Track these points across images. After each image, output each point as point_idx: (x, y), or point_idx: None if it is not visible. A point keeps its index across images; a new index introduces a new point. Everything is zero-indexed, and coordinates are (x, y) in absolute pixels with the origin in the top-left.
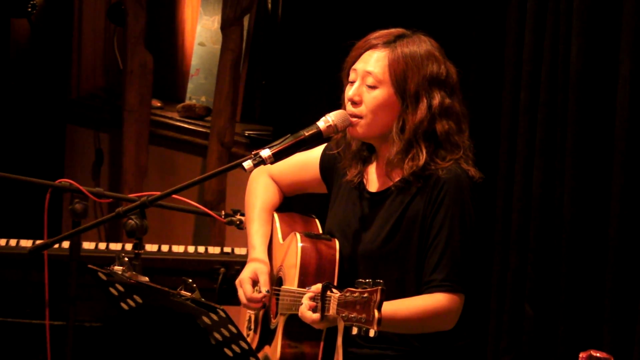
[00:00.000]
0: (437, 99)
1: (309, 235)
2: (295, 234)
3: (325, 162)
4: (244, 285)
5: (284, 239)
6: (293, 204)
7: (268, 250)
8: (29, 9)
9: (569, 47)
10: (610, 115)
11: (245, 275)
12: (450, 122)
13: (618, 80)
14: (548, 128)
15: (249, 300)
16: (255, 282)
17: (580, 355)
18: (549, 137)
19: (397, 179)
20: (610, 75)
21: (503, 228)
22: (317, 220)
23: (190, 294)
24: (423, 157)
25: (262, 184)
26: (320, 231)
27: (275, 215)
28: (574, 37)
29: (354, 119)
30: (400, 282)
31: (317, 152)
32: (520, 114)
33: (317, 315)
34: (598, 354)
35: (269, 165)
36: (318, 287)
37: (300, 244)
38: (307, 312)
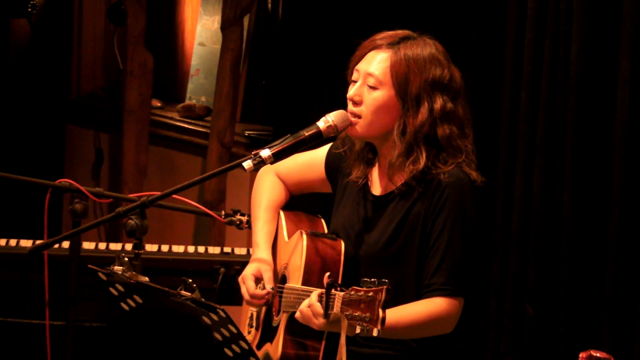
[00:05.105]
0: (439, 103)
1: (314, 234)
2: (301, 232)
3: (330, 162)
4: (246, 281)
5: (289, 237)
6: (296, 203)
7: (273, 247)
8: (29, 9)
9: (569, 47)
10: (610, 115)
11: (248, 272)
12: (453, 127)
13: (618, 80)
14: (548, 128)
15: (252, 296)
16: (258, 279)
17: (580, 355)
18: (549, 137)
19: (400, 182)
20: (610, 76)
21: (503, 228)
22: (322, 220)
23: (190, 294)
24: (423, 161)
25: (268, 183)
26: (326, 231)
27: (282, 214)
28: (574, 37)
29: (354, 119)
30: (401, 285)
31: (323, 151)
32: (520, 114)
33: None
34: (598, 354)
35: (276, 163)
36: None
37: (305, 243)
38: (315, 304)
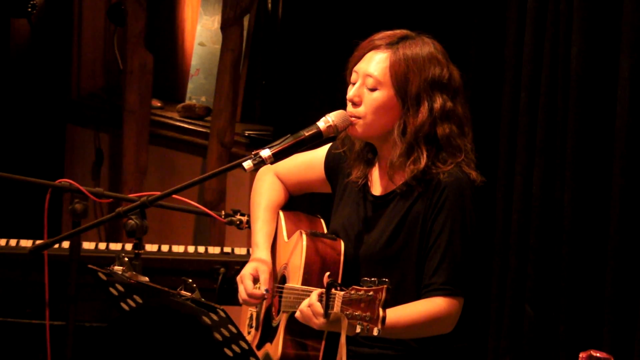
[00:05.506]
0: (438, 103)
1: (314, 234)
2: (300, 232)
3: (330, 162)
4: (244, 281)
5: (289, 237)
6: (296, 203)
7: (272, 247)
8: (29, 9)
9: (569, 47)
10: (610, 116)
11: (246, 271)
12: (452, 126)
13: (618, 80)
14: (548, 128)
15: (250, 296)
16: (256, 279)
17: (580, 355)
18: (549, 137)
19: (400, 182)
20: (610, 76)
21: (503, 228)
22: (322, 220)
23: (190, 294)
24: (424, 160)
25: (268, 183)
26: (326, 231)
27: (281, 214)
28: (574, 37)
29: (354, 119)
30: (401, 285)
31: (322, 151)
32: (520, 114)
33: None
34: (598, 354)
35: (275, 164)
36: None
37: (305, 243)
38: (315, 304)
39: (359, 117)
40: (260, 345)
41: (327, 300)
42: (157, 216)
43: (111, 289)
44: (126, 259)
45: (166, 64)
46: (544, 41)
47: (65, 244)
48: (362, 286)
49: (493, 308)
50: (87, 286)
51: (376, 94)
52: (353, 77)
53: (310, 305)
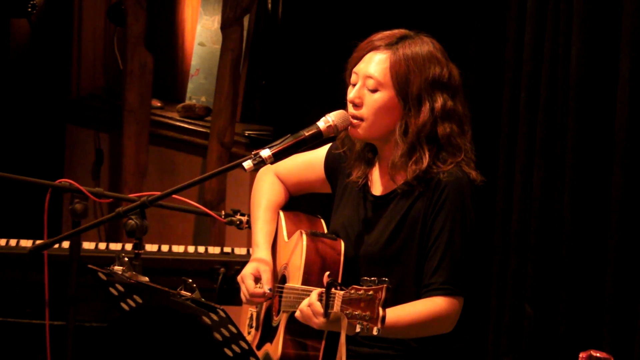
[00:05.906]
0: (439, 102)
1: (314, 234)
2: (300, 232)
3: (330, 162)
4: (246, 280)
5: (289, 237)
6: (296, 203)
7: (273, 247)
8: (29, 9)
9: (569, 47)
10: (610, 115)
11: (247, 271)
12: (453, 125)
13: (618, 80)
14: (548, 128)
15: (252, 295)
16: (257, 279)
17: (580, 355)
18: (549, 137)
19: (401, 182)
20: (610, 75)
21: (503, 228)
22: (322, 221)
23: (190, 294)
24: (426, 160)
25: (268, 183)
26: (326, 231)
27: (281, 214)
28: (574, 37)
29: (355, 121)
30: (401, 284)
31: (322, 151)
32: (520, 114)
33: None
34: (598, 354)
35: (275, 164)
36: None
37: (305, 243)
38: (315, 303)
39: (360, 119)
40: (260, 345)
41: (327, 300)
42: (157, 216)
43: (111, 289)
44: (126, 259)
45: (166, 64)
46: (544, 41)
47: (65, 244)
48: (362, 286)
49: (493, 308)
50: (87, 286)
51: (377, 95)
52: (353, 78)
53: (310, 305)
